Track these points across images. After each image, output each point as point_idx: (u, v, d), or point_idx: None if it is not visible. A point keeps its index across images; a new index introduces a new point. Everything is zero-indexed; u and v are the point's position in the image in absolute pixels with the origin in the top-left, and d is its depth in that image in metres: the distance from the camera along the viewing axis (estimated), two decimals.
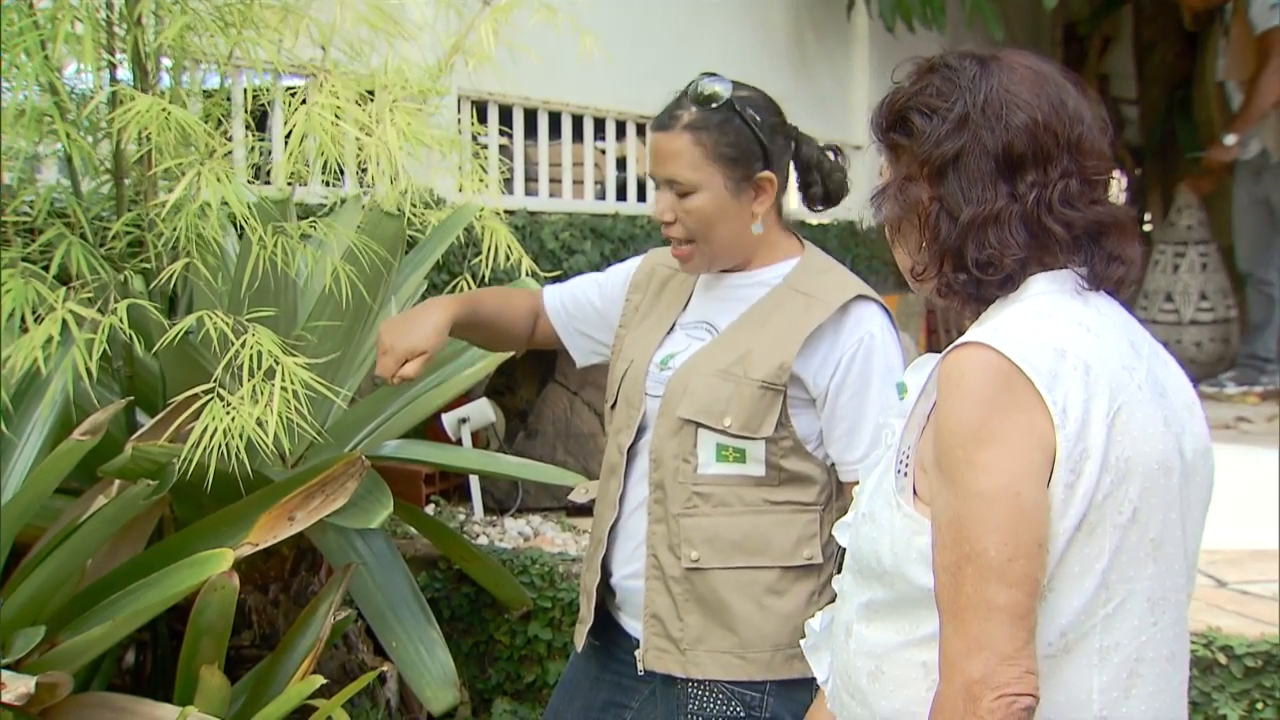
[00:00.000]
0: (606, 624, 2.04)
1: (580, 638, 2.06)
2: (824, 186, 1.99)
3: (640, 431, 1.97)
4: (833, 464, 1.92)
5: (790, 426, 1.89)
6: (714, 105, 1.90)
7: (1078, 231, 1.30)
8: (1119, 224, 1.32)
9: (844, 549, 1.46)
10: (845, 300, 1.89)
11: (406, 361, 1.93)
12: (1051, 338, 1.24)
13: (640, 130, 5.61)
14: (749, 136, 1.91)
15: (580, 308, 2.14)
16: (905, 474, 1.32)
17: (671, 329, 2.01)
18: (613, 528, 1.99)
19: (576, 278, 2.20)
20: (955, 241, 1.30)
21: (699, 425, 1.89)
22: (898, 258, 1.40)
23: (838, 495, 1.93)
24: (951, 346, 1.27)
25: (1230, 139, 5.92)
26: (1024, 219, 1.29)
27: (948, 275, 1.32)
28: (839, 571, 1.47)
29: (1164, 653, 1.29)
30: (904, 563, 1.29)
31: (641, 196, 5.71)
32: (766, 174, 1.92)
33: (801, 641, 1.60)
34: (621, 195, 5.58)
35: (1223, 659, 2.45)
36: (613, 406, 2.04)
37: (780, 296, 1.93)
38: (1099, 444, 1.22)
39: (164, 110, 1.86)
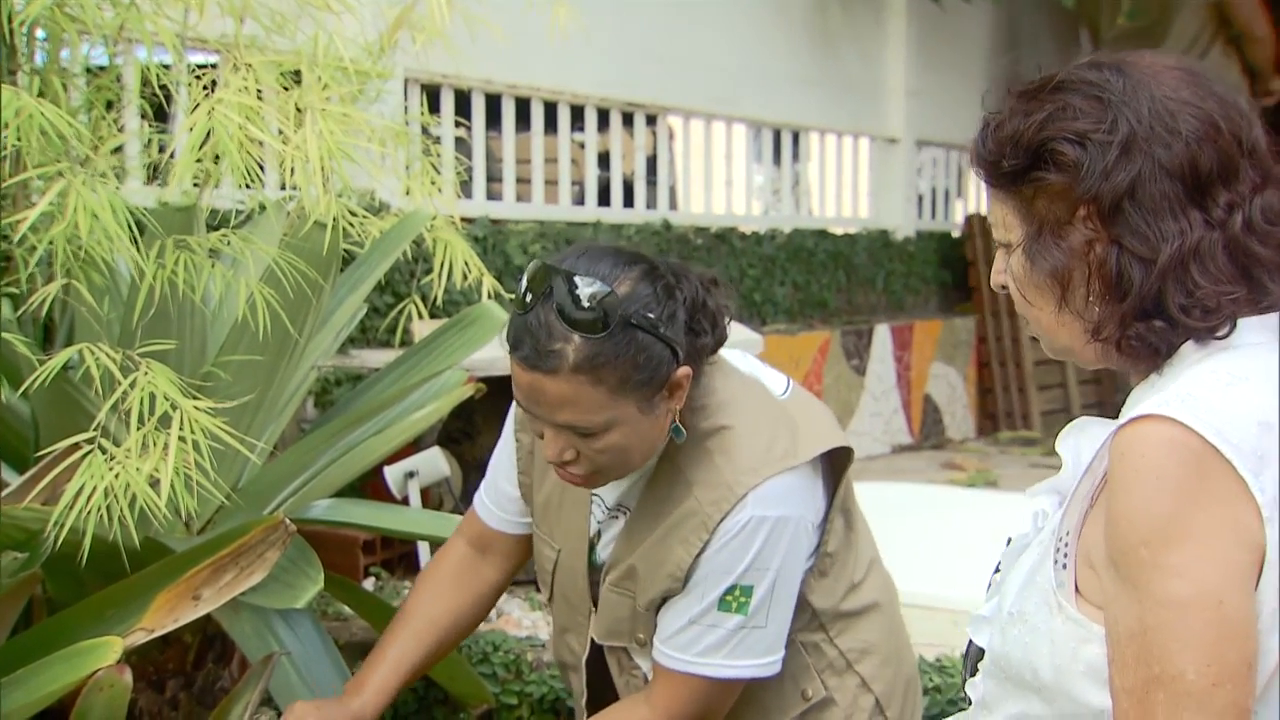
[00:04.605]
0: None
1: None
2: (713, 336, 1.85)
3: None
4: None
5: None
6: (603, 331, 1.72)
7: None
8: None
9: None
10: (724, 513, 1.84)
11: None
12: (1253, 408, 1.23)
13: (628, 120, 5.62)
14: (653, 343, 1.76)
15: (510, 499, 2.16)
16: (1065, 566, 1.31)
17: (592, 504, 2.02)
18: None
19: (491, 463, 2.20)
20: (1151, 287, 1.29)
21: (620, 648, 1.98)
22: (1045, 321, 1.38)
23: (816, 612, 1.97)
24: (1126, 418, 1.26)
25: None
26: (1227, 248, 1.29)
27: (1137, 328, 1.30)
28: (972, 673, 1.47)
29: None
30: (1068, 677, 1.29)
31: (629, 200, 5.72)
32: (682, 371, 1.81)
33: None
34: (604, 199, 5.59)
35: None
36: (550, 599, 2.10)
37: (667, 482, 1.90)
38: None
39: (22, 106, 1.83)
